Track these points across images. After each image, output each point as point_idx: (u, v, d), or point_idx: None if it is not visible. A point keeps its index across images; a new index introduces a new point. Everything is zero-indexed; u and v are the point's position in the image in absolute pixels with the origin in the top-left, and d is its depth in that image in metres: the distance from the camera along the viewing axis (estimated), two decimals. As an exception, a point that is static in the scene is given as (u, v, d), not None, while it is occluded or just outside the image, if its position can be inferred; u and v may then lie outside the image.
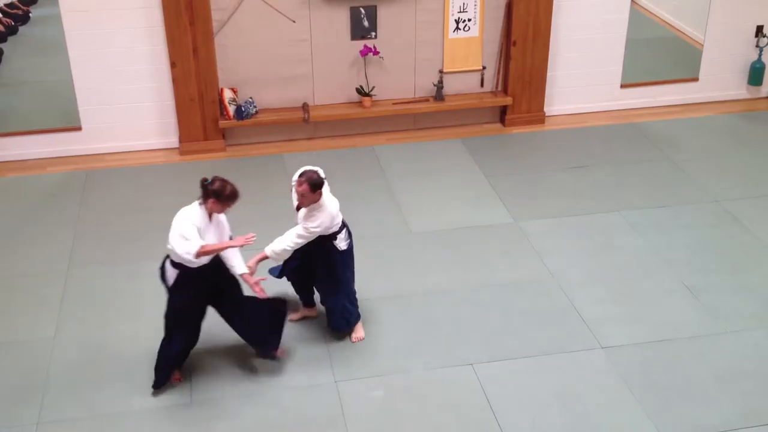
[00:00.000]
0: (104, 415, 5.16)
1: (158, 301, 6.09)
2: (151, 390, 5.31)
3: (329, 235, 5.47)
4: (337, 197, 7.43)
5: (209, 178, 5.06)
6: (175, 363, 5.37)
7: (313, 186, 5.25)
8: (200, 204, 5.08)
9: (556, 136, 8.61)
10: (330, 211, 5.37)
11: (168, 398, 5.27)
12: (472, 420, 5.09)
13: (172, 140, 8.33)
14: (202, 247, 4.96)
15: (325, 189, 5.41)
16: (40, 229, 7.02)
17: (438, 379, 5.41)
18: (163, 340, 5.32)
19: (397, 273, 6.43)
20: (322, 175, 5.34)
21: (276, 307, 5.51)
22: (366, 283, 6.30)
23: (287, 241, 5.35)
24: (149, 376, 5.42)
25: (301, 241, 5.35)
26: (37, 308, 6.08)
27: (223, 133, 8.31)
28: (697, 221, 7.08)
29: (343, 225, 5.57)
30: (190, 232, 4.97)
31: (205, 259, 5.08)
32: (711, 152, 8.24)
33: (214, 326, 5.88)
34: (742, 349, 5.64)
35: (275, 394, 5.29)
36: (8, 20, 8.57)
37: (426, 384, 5.37)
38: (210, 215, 5.10)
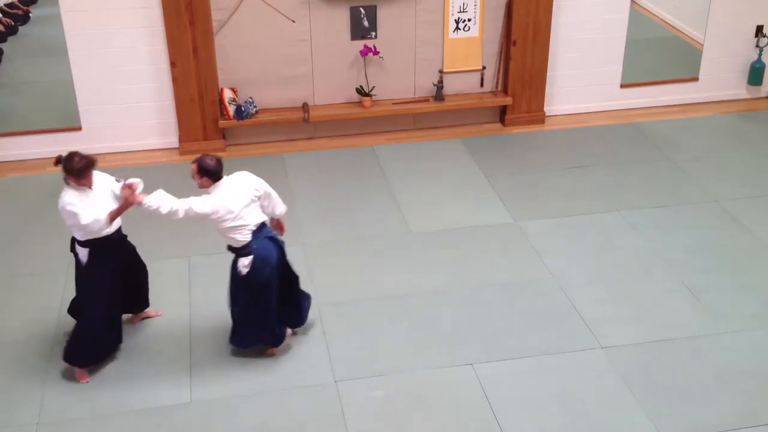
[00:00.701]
0: (104, 415, 5.16)
1: (158, 300, 6.11)
2: (77, 369, 5.39)
3: (237, 249, 5.35)
4: (337, 197, 7.46)
5: (62, 156, 5.12)
6: (104, 344, 5.46)
7: (200, 169, 5.16)
8: (68, 184, 5.17)
9: (556, 136, 8.61)
10: (213, 201, 5.15)
11: (168, 398, 5.27)
12: (472, 420, 5.09)
13: (172, 140, 8.33)
14: (108, 214, 5.14)
15: (226, 185, 5.22)
16: (40, 229, 7.01)
17: (438, 379, 5.41)
18: (85, 321, 5.37)
19: (397, 273, 6.43)
20: (221, 168, 5.18)
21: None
22: (366, 283, 6.30)
23: (172, 203, 5.17)
24: (149, 377, 5.42)
25: (182, 212, 5.15)
26: (37, 308, 6.08)
27: (223, 133, 8.31)
28: (697, 221, 7.08)
29: (250, 252, 5.30)
30: (78, 207, 5.08)
31: (110, 230, 5.22)
32: (711, 152, 8.24)
33: (213, 325, 5.88)
34: (742, 349, 5.64)
35: (275, 394, 5.29)
36: (8, 20, 8.57)
37: (426, 384, 5.36)
38: (84, 189, 5.15)
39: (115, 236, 5.36)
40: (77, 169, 5.07)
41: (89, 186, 5.17)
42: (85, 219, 5.06)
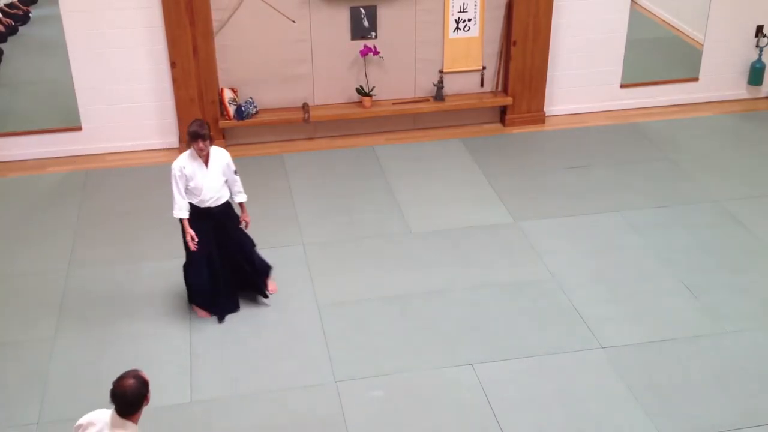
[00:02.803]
0: (104, 415, 5.16)
1: (158, 300, 6.12)
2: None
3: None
4: (337, 197, 7.48)
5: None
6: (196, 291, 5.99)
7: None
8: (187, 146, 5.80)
9: (556, 136, 8.61)
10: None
11: (168, 398, 5.27)
12: (472, 420, 5.09)
13: (172, 140, 8.33)
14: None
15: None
16: (40, 229, 7.02)
17: (438, 379, 5.41)
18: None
19: (397, 273, 6.43)
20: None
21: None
22: (366, 283, 6.31)
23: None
24: (150, 376, 5.40)
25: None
26: (37, 308, 6.08)
27: (223, 133, 8.31)
28: (697, 221, 7.07)
29: None
30: (174, 185, 5.70)
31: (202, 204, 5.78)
32: (711, 152, 8.24)
33: (214, 325, 5.88)
34: (742, 349, 5.64)
35: (275, 394, 5.30)
36: (8, 20, 8.58)
37: (426, 384, 5.37)
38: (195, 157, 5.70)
39: (212, 210, 5.79)
40: (188, 132, 5.63)
41: (199, 153, 5.65)
42: (175, 201, 5.71)
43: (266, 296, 6.11)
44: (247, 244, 6.02)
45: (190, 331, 5.83)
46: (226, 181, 5.80)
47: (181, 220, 5.74)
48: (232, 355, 5.62)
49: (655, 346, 5.67)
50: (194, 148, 5.64)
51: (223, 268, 5.89)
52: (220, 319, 5.94)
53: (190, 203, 5.72)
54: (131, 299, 6.15)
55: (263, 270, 6.12)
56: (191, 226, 5.72)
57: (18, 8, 8.66)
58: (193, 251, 5.75)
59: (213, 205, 5.75)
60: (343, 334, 5.79)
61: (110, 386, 5.35)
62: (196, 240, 5.70)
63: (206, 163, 5.70)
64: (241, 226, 5.98)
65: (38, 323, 5.93)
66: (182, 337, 5.78)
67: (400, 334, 5.80)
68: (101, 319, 5.95)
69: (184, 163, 5.65)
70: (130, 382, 3.69)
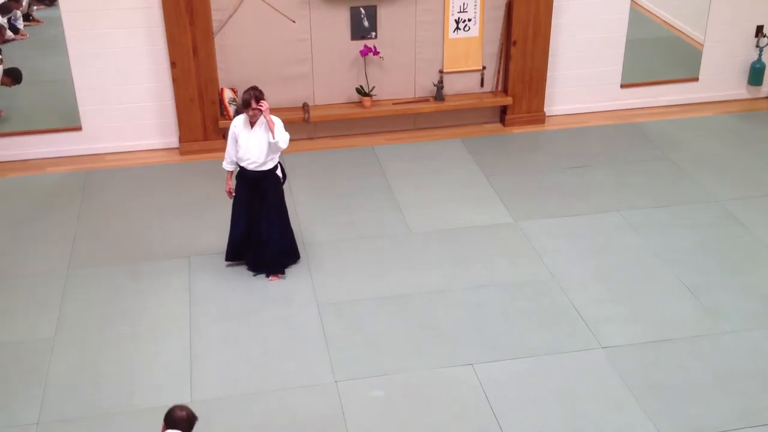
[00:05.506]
0: (104, 415, 5.17)
1: (158, 300, 6.12)
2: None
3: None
4: (337, 196, 7.47)
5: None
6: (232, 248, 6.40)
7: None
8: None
9: (556, 136, 8.61)
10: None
11: (168, 398, 5.26)
12: (472, 420, 5.10)
13: (172, 140, 8.33)
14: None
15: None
16: (40, 229, 7.02)
17: (438, 379, 5.41)
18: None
19: (397, 273, 6.43)
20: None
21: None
22: (366, 283, 6.31)
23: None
24: (149, 376, 5.43)
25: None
26: (37, 308, 6.08)
27: (223, 133, 8.30)
28: (697, 221, 7.08)
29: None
30: (230, 138, 6.16)
31: (245, 165, 6.11)
32: (711, 152, 8.24)
33: (214, 325, 5.89)
34: (742, 349, 5.64)
35: (275, 394, 5.30)
36: (23, 34, 8.65)
37: (426, 384, 5.37)
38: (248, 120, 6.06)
39: (247, 172, 6.13)
40: (242, 99, 6.01)
41: (249, 118, 6.01)
42: (226, 154, 6.21)
43: (262, 274, 6.38)
44: (271, 223, 6.20)
45: (190, 331, 5.83)
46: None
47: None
48: (232, 355, 5.62)
49: (655, 346, 5.68)
50: (246, 112, 5.99)
51: (254, 226, 6.25)
52: (251, 268, 6.39)
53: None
54: (131, 299, 6.16)
55: (272, 261, 6.32)
56: (237, 181, 6.19)
57: (36, 20, 8.74)
58: (234, 205, 6.25)
59: (249, 167, 6.07)
60: (343, 334, 5.79)
61: (110, 386, 5.39)
62: (233, 194, 6.23)
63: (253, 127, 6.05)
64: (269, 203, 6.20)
65: (38, 323, 5.93)
66: (182, 337, 5.78)
67: (400, 334, 5.80)
68: (101, 319, 5.95)
69: (239, 122, 6.08)
70: (187, 411, 4.24)
